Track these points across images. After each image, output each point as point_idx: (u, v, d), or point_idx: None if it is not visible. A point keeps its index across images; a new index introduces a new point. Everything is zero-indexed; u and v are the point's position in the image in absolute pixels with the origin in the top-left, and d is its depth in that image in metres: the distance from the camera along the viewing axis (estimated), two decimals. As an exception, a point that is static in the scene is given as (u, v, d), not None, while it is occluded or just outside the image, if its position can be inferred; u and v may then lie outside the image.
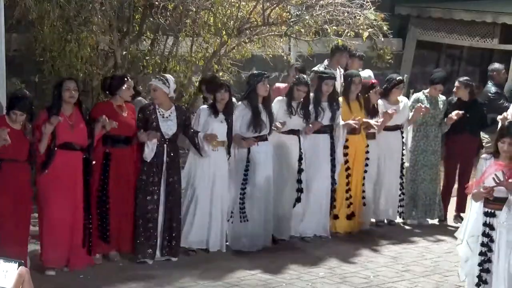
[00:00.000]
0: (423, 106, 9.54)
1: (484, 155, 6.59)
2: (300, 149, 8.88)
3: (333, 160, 9.10)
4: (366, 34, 9.75)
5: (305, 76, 9.03)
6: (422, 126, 9.77)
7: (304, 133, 8.90)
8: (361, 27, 9.67)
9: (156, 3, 9.12)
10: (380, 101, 9.56)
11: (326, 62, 10.40)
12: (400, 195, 9.76)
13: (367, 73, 9.95)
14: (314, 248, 8.86)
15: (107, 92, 8.13)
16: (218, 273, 7.88)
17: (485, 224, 6.42)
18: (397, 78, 9.70)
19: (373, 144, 9.52)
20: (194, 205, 8.37)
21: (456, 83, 9.91)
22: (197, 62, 9.81)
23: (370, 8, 9.63)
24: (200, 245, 8.45)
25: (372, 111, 9.47)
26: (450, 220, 10.14)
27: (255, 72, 8.73)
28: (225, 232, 8.57)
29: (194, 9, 9.44)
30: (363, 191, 9.47)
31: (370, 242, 9.19)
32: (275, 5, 9.56)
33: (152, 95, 8.12)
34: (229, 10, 9.64)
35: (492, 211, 6.39)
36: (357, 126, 9.23)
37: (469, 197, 9.63)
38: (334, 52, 10.25)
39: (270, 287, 7.59)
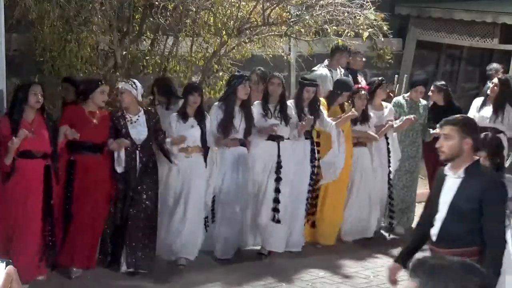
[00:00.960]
0: (411, 116, 9.32)
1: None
2: (278, 156, 8.50)
3: (313, 167, 8.80)
4: (366, 34, 9.74)
5: (278, 74, 8.85)
6: (398, 131, 9.56)
7: (296, 133, 8.57)
8: (361, 27, 9.66)
9: (156, 3, 9.11)
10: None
11: (326, 62, 10.44)
12: (390, 204, 9.43)
13: (324, 71, 9.70)
14: (314, 249, 8.86)
15: (80, 97, 7.76)
16: (217, 273, 7.89)
17: None
18: (379, 79, 9.54)
19: (364, 151, 9.27)
20: (169, 215, 8.07)
21: (432, 87, 9.82)
22: (197, 62, 9.80)
23: (370, 8, 9.63)
24: (168, 256, 8.09)
25: (362, 118, 9.14)
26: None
27: (236, 73, 8.53)
28: (200, 240, 8.24)
29: (194, 9, 9.44)
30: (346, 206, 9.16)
31: (370, 242, 9.19)
32: (275, 5, 9.56)
33: (119, 97, 7.83)
34: (229, 10, 9.64)
35: None
36: (355, 115, 8.91)
37: None
38: (334, 52, 10.28)
39: (270, 287, 7.59)
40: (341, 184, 9.06)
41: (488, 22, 12.93)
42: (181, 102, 8.32)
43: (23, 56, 9.52)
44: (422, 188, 11.09)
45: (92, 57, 9.22)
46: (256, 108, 8.51)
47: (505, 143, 9.74)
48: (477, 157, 5.09)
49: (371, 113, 9.25)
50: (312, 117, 8.62)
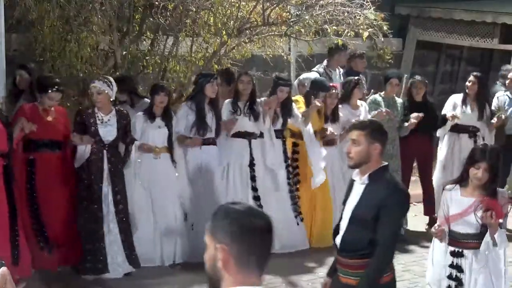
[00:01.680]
0: (383, 110, 9.27)
1: (448, 186, 5.67)
2: (251, 154, 8.46)
3: (288, 167, 8.74)
4: (366, 34, 9.73)
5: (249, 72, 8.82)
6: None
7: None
8: (361, 27, 9.65)
9: (156, 3, 9.11)
10: (341, 106, 9.19)
11: (325, 62, 10.46)
12: None
13: (313, 75, 9.57)
14: (314, 248, 8.86)
15: (37, 94, 7.63)
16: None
17: (452, 266, 5.56)
18: (355, 78, 9.47)
19: (334, 151, 9.14)
20: (137, 218, 7.92)
21: (418, 83, 9.71)
22: (197, 62, 9.80)
23: (370, 8, 9.62)
24: (150, 262, 7.94)
25: (332, 117, 9.08)
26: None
27: (203, 72, 8.40)
28: (178, 244, 8.11)
29: (194, 9, 9.44)
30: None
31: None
32: (275, 5, 9.55)
33: (95, 98, 7.62)
34: (229, 10, 9.63)
35: (460, 250, 5.55)
36: (319, 106, 8.87)
37: (437, 203, 9.77)
38: (333, 53, 10.29)
39: (270, 287, 7.58)
40: (323, 184, 8.93)
41: (488, 22, 12.93)
42: (143, 101, 8.23)
43: (23, 56, 9.52)
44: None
45: (92, 57, 9.22)
46: (225, 107, 8.46)
47: (485, 140, 9.78)
48: (385, 163, 4.83)
49: (341, 113, 9.14)
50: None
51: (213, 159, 8.27)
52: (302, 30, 9.75)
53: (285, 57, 10.85)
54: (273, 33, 9.92)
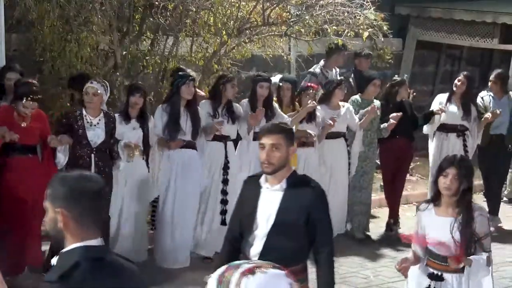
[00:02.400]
0: (375, 105, 9.17)
1: (421, 206, 5.27)
2: (226, 157, 8.32)
3: None
4: (366, 34, 9.74)
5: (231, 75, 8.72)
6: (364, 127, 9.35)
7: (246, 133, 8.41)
8: (361, 27, 9.66)
9: (156, 3, 9.11)
10: (319, 107, 9.05)
11: (322, 62, 10.43)
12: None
13: (277, 78, 9.36)
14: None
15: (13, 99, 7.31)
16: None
17: None
18: (338, 79, 9.37)
19: (311, 152, 8.97)
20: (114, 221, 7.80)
21: (402, 84, 9.62)
22: (197, 62, 9.80)
23: (370, 8, 9.63)
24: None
25: (308, 117, 8.93)
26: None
27: (180, 73, 8.14)
28: (146, 246, 8.04)
29: (194, 9, 9.44)
30: None
31: (370, 242, 9.18)
32: (275, 5, 9.56)
33: (89, 98, 7.40)
34: (229, 10, 9.64)
35: (439, 273, 5.16)
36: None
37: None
38: (331, 53, 10.28)
39: (270, 287, 7.58)
40: None
41: (488, 22, 12.93)
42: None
43: (23, 56, 9.52)
44: (423, 188, 11.09)
45: (92, 57, 9.22)
46: (203, 108, 8.28)
47: (470, 142, 9.77)
48: (293, 168, 4.66)
49: (319, 113, 9.01)
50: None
51: (192, 162, 8.08)
52: (302, 30, 9.75)
53: (285, 57, 10.85)
54: (273, 33, 9.92)
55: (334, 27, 9.61)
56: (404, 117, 9.31)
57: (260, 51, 10.44)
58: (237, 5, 9.55)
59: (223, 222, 8.12)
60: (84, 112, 7.43)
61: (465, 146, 9.68)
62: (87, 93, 7.41)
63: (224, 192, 8.28)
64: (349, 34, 9.73)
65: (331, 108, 9.16)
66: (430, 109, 9.78)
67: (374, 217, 10.01)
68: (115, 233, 7.86)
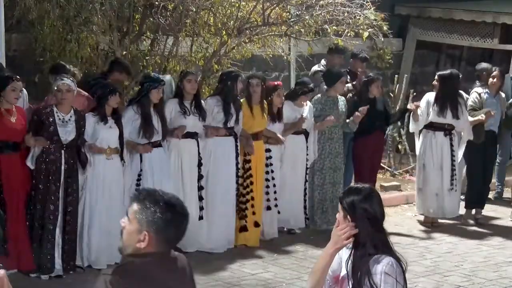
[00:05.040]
0: (332, 118, 9.13)
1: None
2: (199, 153, 8.35)
3: (237, 165, 8.57)
4: (366, 34, 9.74)
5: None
6: (326, 128, 9.34)
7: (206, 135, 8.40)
8: (361, 27, 9.66)
9: (156, 3, 9.12)
10: (285, 103, 9.01)
11: (323, 61, 10.52)
12: (305, 201, 9.22)
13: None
14: (314, 248, 8.86)
15: None
16: (218, 273, 7.88)
17: None
18: (309, 87, 9.20)
19: (276, 149, 8.98)
20: (89, 219, 7.72)
21: (377, 83, 9.53)
22: (197, 62, 9.80)
23: (370, 8, 9.63)
24: (96, 264, 7.67)
25: (277, 116, 8.93)
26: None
27: (151, 75, 8.15)
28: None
29: (194, 9, 9.44)
30: (268, 200, 8.86)
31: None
32: (275, 5, 9.56)
33: (63, 95, 7.38)
34: (229, 10, 9.64)
35: None
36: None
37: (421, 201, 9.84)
38: (331, 53, 10.35)
39: (270, 287, 7.59)
40: (259, 183, 8.78)
41: (488, 22, 12.93)
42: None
43: (23, 56, 9.53)
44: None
45: (92, 57, 9.22)
46: (170, 107, 8.27)
47: (457, 141, 9.73)
48: None
49: (284, 110, 9.00)
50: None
51: (160, 161, 8.09)
52: (302, 30, 9.76)
53: (285, 57, 10.85)
54: (273, 33, 9.92)
55: (334, 27, 9.62)
56: (377, 113, 9.40)
57: (260, 51, 10.45)
58: (237, 5, 9.55)
59: (200, 218, 8.28)
60: (55, 108, 7.42)
61: (451, 145, 9.64)
62: (60, 90, 7.39)
63: (199, 188, 8.34)
64: (349, 34, 9.74)
65: (296, 105, 9.15)
66: (411, 106, 9.77)
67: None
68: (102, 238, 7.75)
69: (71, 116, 7.45)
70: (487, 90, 10.07)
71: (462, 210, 10.08)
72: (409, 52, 13.88)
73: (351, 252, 3.88)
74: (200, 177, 8.36)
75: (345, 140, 9.87)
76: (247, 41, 9.87)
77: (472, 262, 8.52)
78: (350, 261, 3.87)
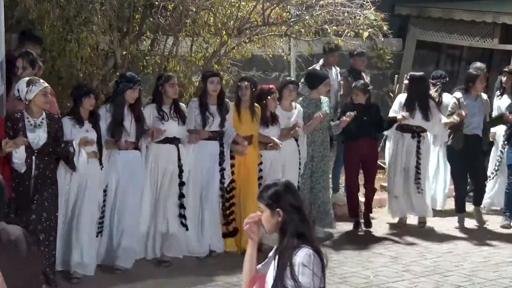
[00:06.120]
0: (321, 114, 8.95)
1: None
2: (179, 159, 8.11)
3: (222, 170, 8.32)
4: (366, 34, 9.75)
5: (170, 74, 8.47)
6: (312, 130, 9.18)
7: (188, 141, 8.22)
8: (361, 27, 9.66)
9: (156, 3, 9.11)
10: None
11: (321, 61, 10.63)
12: None
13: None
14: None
15: None
16: (217, 273, 7.88)
17: None
18: (287, 79, 9.13)
19: (271, 154, 8.77)
20: (69, 226, 7.54)
21: (356, 90, 9.50)
22: (197, 62, 9.79)
23: (370, 8, 9.64)
24: (79, 267, 7.49)
25: (272, 119, 8.73)
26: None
27: (128, 75, 7.98)
28: (95, 250, 7.75)
29: (194, 9, 9.43)
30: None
31: (370, 243, 9.18)
32: (275, 5, 9.56)
33: (45, 101, 7.20)
34: (229, 10, 9.63)
35: None
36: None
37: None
38: (326, 53, 10.44)
39: (270, 287, 7.58)
40: (252, 189, 8.39)
41: (488, 22, 12.93)
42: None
43: (23, 56, 9.51)
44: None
45: (92, 57, 9.21)
46: (148, 112, 8.10)
47: (427, 144, 9.67)
48: None
49: (281, 114, 8.85)
50: (207, 131, 8.30)
51: (136, 165, 7.92)
52: (302, 30, 9.76)
53: (285, 57, 10.85)
54: (273, 33, 9.92)
55: (334, 27, 9.62)
56: (367, 118, 9.31)
57: (260, 51, 10.44)
58: (237, 5, 9.55)
59: (183, 225, 8.10)
60: (25, 113, 7.17)
61: (418, 147, 9.53)
62: (46, 94, 7.20)
63: (181, 196, 8.12)
64: (349, 34, 9.74)
65: (283, 109, 8.92)
66: (393, 115, 9.59)
67: (373, 218, 10.00)
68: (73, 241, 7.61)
69: (42, 119, 7.19)
70: (461, 94, 9.78)
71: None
72: (409, 52, 13.88)
73: (277, 245, 3.93)
74: (181, 183, 8.11)
75: (338, 143, 9.88)
76: (247, 41, 9.87)
77: (472, 262, 8.53)
78: (276, 254, 3.90)
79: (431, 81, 10.26)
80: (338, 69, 10.74)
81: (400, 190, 9.65)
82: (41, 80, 7.31)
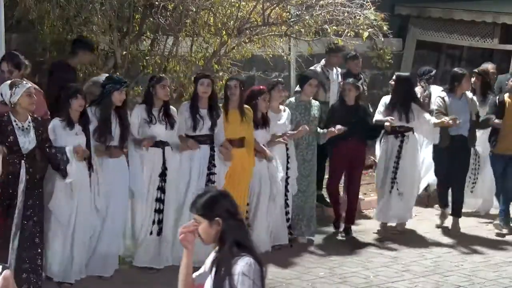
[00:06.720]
0: (307, 128, 8.73)
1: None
2: (164, 163, 7.85)
3: (211, 174, 8.08)
4: (366, 34, 9.74)
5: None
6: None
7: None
8: (361, 27, 9.66)
9: (156, 3, 9.11)
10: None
11: (323, 62, 10.61)
12: (286, 213, 8.80)
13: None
14: (314, 248, 8.87)
15: None
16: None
17: None
18: (274, 80, 8.98)
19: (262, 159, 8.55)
20: (54, 232, 7.31)
21: (347, 86, 9.38)
22: (197, 62, 9.79)
23: (370, 8, 9.64)
24: (64, 277, 7.30)
25: (262, 121, 8.50)
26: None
27: (114, 77, 7.85)
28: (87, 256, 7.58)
29: (194, 9, 9.43)
30: (247, 211, 8.29)
31: (370, 243, 9.18)
32: (275, 5, 9.56)
33: (30, 101, 6.94)
34: (229, 10, 9.63)
35: None
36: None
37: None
38: (328, 53, 10.40)
39: (270, 287, 7.58)
40: (241, 194, 8.21)
41: (488, 22, 12.94)
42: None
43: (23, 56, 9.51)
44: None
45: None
46: (137, 113, 7.91)
47: (410, 145, 9.51)
48: None
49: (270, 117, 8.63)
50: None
51: (118, 168, 7.70)
52: (302, 30, 9.76)
53: (285, 57, 10.85)
54: (273, 33, 9.92)
55: (334, 27, 9.62)
56: (356, 120, 9.15)
57: (260, 51, 10.44)
58: (237, 5, 9.55)
59: (159, 233, 7.83)
60: (12, 116, 6.93)
61: (400, 147, 9.40)
62: (31, 95, 6.99)
63: (159, 200, 7.85)
64: (349, 34, 9.74)
65: (272, 111, 8.71)
66: (376, 114, 9.48)
67: (369, 217, 10.01)
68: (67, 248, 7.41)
69: (29, 123, 6.99)
70: (445, 93, 9.68)
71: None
72: (409, 52, 13.88)
73: (215, 254, 3.84)
74: (160, 188, 7.85)
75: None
76: (247, 41, 9.87)
77: (472, 262, 8.53)
78: (214, 263, 3.81)
79: (418, 78, 10.25)
80: (339, 70, 10.73)
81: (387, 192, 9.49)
82: (24, 81, 7.15)
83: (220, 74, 9.85)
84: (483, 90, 10.25)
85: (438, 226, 9.83)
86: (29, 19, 9.00)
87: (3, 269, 2.98)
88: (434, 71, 10.77)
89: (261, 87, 8.81)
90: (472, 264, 8.44)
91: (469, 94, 9.84)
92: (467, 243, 9.26)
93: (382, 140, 9.62)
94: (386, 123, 9.22)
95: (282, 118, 8.79)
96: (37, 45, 9.22)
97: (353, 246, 9.01)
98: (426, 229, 9.75)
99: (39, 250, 7.05)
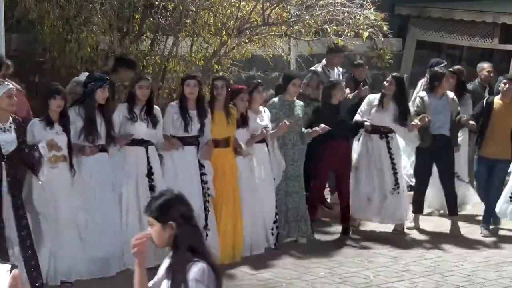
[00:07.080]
0: (287, 122, 8.58)
1: None
2: (148, 162, 7.81)
3: (202, 175, 8.05)
4: (366, 34, 9.75)
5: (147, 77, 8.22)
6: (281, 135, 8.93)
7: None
8: (361, 27, 9.67)
9: (156, 3, 9.12)
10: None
11: (323, 62, 10.62)
12: (275, 216, 8.73)
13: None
14: (314, 248, 8.86)
15: None
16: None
17: None
18: (255, 81, 8.86)
19: (239, 159, 8.50)
20: (39, 235, 7.20)
21: (336, 86, 9.31)
22: (197, 62, 9.80)
23: (370, 8, 9.64)
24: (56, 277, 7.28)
25: (242, 121, 8.43)
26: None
27: (96, 74, 7.80)
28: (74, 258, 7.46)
29: (194, 9, 9.44)
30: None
31: (370, 243, 9.18)
32: (275, 5, 9.57)
33: (10, 103, 6.86)
34: (229, 10, 9.64)
35: None
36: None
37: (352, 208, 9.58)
38: (329, 53, 10.41)
39: (270, 287, 7.59)
40: (229, 195, 8.27)
41: (488, 22, 12.94)
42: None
43: (23, 56, 9.52)
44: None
45: (92, 57, 9.22)
46: (119, 111, 7.86)
47: (395, 144, 9.49)
48: None
49: (250, 117, 8.55)
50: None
51: (105, 167, 7.67)
52: (302, 30, 9.77)
53: (285, 57, 10.86)
54: (273, 33, 9.93)
55: (334, 27, 9.62)
56: (339, 119, 9.13)
57: (260, 51, 10.45)
58: (237, 5, 9.55)
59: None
60: None
61: (389, 148, 9.39)
62: (11, 96, 6.88)
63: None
64: (349, 34, 9.75)
65: (253, 112, 8.62)
66: (358, 113, 9.47)
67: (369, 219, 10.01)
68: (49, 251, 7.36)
69: (10, 124, 6.91)
70: (426, 93, 9.62)
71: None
72: (409, 52, 13.89)
73: (169, 260, 3.79)
74: (151, 187, 7.77)
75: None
76: (247, 41, 9.88)
77: (472, 262, 8.53)
78: (169, 271, 3.75)
79: (428, 70, 10.22)
80: (341, 69, 10.74)
81: (372, 193, 9.44)
82: (6, 82, 7.07)
83: (220, 74, 9.85)
84: (458, 89, 10.22)
85: (409, 228, 9.70)
86: (29, 19, 9.01)
87: (12, 269, 2.99)
88: (445, 62, 10.72)
89: (240, 86, 8.71)
90: (472, 264, 8.44)
91: (450, 94, 9.75)
92: (467, 243, 9.26)
93: (360, 138, 9.58)
94: (366, 123, 9.26)
95: (264, 119, 8.67)
96: (37, 45, 9.23)
97: (353, 246, 9.02)
98: (426, 229, 9.75)
99: (34, 254, 6.99)
